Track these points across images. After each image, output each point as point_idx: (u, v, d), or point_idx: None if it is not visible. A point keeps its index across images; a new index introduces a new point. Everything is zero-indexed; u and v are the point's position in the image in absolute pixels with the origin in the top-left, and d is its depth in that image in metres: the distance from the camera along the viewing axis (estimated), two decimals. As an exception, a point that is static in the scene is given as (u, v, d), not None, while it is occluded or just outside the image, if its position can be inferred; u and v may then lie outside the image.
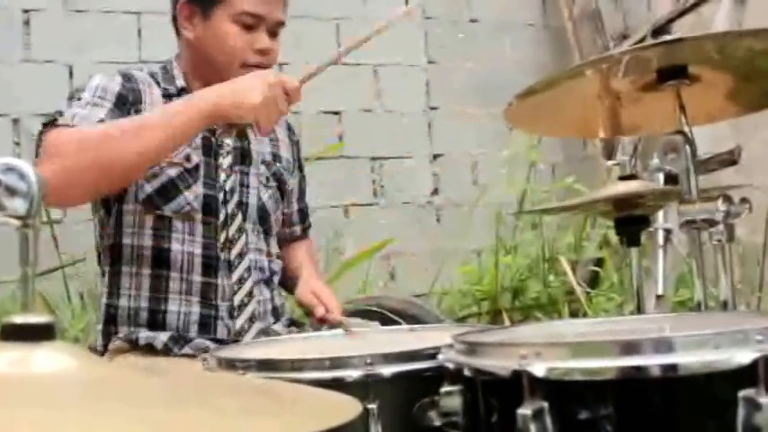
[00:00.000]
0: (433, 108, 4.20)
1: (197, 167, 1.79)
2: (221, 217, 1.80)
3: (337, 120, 3.99)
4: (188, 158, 1.78)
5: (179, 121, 1.59)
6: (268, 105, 1.57)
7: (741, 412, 0.86)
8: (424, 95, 4.19)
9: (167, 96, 1.81)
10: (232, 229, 1.80)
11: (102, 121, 1.67)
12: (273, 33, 1.83)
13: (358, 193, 3.95)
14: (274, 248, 1.93)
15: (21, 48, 3.53)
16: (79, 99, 1.72)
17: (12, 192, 0.73)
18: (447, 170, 4.16)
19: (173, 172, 1.76)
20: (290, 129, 2.05)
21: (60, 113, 1.69)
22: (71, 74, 3.58)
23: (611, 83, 1.48)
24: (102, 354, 1.80)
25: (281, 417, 0.71)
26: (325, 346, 1.46)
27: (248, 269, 1.81)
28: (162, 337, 1.75)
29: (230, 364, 1.21)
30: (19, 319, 0.70)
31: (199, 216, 1.78)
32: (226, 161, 1.83)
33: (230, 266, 1.79)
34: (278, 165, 1.95)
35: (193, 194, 1.78)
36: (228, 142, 1.85)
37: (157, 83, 1.83)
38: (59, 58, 3.57)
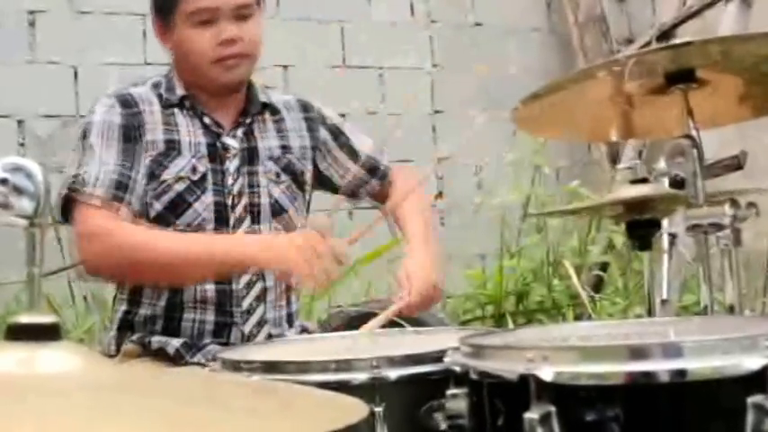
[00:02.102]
0: (437, 112, 4.20)
1: (204, 177, 1.77)
2: (231, 221, 1.78)
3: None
4: (194, 170, 1.77)
5: (215, 268, 1.71)
6: (307, 266, 1.59)
7: (750, 418, 0.85)
8: (429, 99, 4.19)
9: (169, 107, 1.80)
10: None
11: (119, 182, 1.71)
12: (243, 17, 1.76)
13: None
14: None
15: (26, 49, 3.53)
16: (91, 148, 1.74)
17: (19, 191, 0.72)
18: (451, 174, 4.16)
19: (180, 187, 1.76)
20: (305, 109, 1.95)
21: (80, 182, 1.71)
22: (76, 75, 3.59)
23: (619, 87, 1.48)
24: (113, 357, 1.80)
25: (289, 418, 0.71)
26: (331, 348, 1.46)
27: (258, 273, 1.80)
28: (174, 343, 1.74)
29: (235, 366, 1.21)
30: (25, 318, 0.70)
31: (211, 225, 1.77)
32: (233, 164, 1.82)
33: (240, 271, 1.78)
34: (288, 156, 1.89)
35: (203, 205, 1.77)
36: (235, 145, 1.84)
37: (159, 95, 1.81)
38: (64, 60, 3.58)
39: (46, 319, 0.70)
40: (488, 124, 4.08)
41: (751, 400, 0.86)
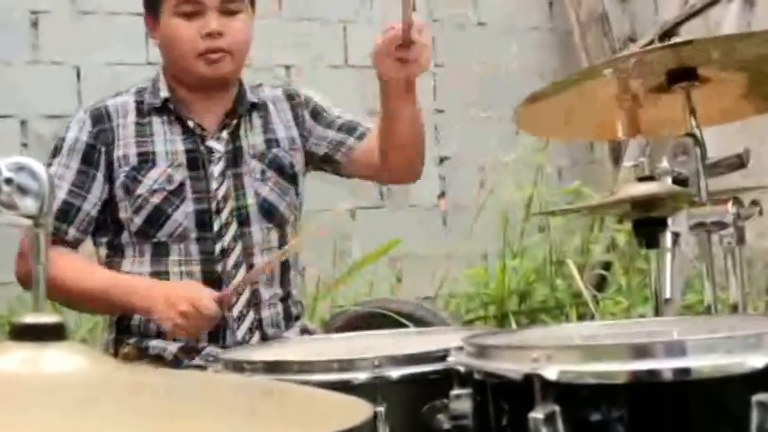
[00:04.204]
0: (439, 111, 4.19)
1: (181, 186, 1.76)
2: (215, 227, 1.76)
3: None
4: (170, 180, 1.76)
5: (111, 309, 1.82)
6: (185, 327, 1.66)
7: (755, 417, 0.85)
8: (431, 98, 4.19)
9: (148, 114, 1.80)
10: (227, 239, 1.77)
11: (63, 211, 1.75)
12: (229, 12, 1.75)
13: (365, 195, 3.95)
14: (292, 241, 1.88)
15: (28, 49, 3.53)
16: (50, 167, 1.77)
17: (23, 191, 0.72)
18: (454, 173, 4.15)
19: (156, 199, 1.75)
20: (291, 98, 1.93)
21: None
22: (78, 75, 3.59)
23: (622, 86, 1.48)
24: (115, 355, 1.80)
25: (291, 419, 0.70)
26: (333, 348, 1.46)
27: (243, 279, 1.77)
28: (172, 348, 1.74)
29: (238, 367, 1.20)
30: (30, 318, 0.70)
31: (194, 234, 1.76)
32: (217, 168, 1.79)
33: (227, 278, 1.76)
34: (274, 150, 1.85)
35: (184, 214, 1.75)
36: (219, 148, 1.80)
37: (140, 102, 1.81)
38: (67, 60, 3.58)
39: (50, 318, 0.70)
40: (490, 124, 4.09)
41: (755, 398, 0.85)
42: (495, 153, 3.91)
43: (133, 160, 1.76)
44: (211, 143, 1.80)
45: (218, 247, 1.76)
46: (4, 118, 3.47)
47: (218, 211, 1.77)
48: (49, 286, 1.65)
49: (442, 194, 4.15)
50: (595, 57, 4.24)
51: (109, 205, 1.78)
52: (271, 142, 1.86)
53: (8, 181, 0.72)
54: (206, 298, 1.65)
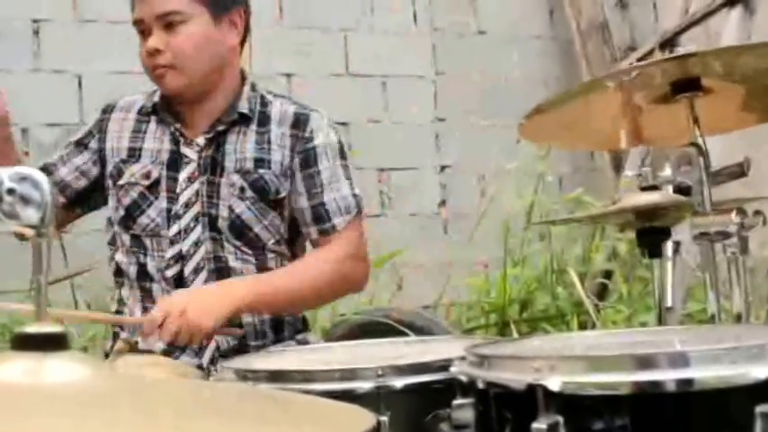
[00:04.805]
0: (440, 119, 4.20)
1: (157, 183, 1.79)
2: (172, 231, 1.77)
3: (345, 131, 3.99)
4: (147, 176, 1.80)
5: None
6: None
7: (758, 428, 0.85)
8: (432, 107, 4.19)
9: (147, 114, 1.86)
10: (187, 243, 1.77)
11: (52, 163, 1.90)
12: (169, 26, 1.73)
13: (365, 204, 3.95)
14: (270, 262, 1.82)
15: (30, 57, 3.54)
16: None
17: (25, 201, 0.72)
18: (454, 181, 4.15)
19: (134, 192, 1.81)
20: (296, 125, 1.82)
21: None
22: (80, 84, 3.59)
23: (625, 97, 1.48)
24: (107, 356, 1.85)
25: (296, 427, 0.70)
26: (337, 357, 1.46)
27: (205, 283, 1.76)
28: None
29: (240, 376, 1.20)
30: (32, 328, 0.70)
31: (165, 231, 1.78)
32: (184, 173, 1.79)
33: (183, 281, 1.76)
34: (261, 171, 1.78)
35: (156, 210, 1.79)
36: (190, 154, 1.79)
37: (144, 104, 1.88)
38: (68, 68, 3.59)
39: (53, 328, 0.70)
40: (491, 132, 4.09)
41: (759, 409, 0.85)
42: (496, 161, 3.91)
43: (123, 153, 1.84)
44: (184, 148, 1.81)
45: (172, 251, 1.77)
46: (5, 126, 3.47)
47: (178, 216, 1.78)
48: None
49: (443, 203, 4.15)
50: (596, 65, 4.25)
51: (103, 192, 1.87)
52: (262, 162, 1.79)
53: (10, 191, 0.72)
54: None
